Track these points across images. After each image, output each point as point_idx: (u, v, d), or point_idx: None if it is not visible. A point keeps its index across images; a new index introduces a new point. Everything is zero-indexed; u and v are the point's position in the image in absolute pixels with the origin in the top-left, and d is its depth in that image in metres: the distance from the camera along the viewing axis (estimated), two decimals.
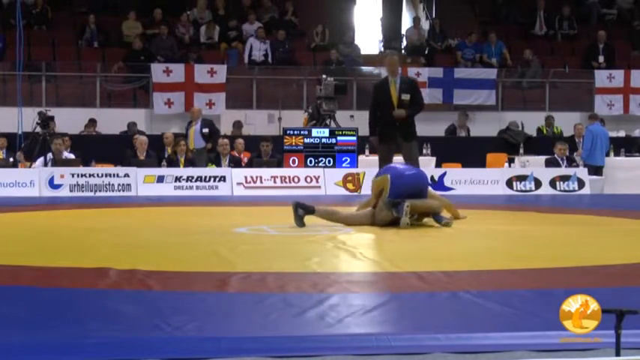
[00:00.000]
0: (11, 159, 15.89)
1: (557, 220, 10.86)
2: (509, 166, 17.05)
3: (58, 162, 14.67)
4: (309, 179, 14.69)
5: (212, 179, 14.60)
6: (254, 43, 20.81)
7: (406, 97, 11.09)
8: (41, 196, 13.69)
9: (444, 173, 15.00)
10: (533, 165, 16.36)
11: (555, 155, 16.26)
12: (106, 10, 21.72)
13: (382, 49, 25.93)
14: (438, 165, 16.68)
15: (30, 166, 14.78)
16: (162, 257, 7.07)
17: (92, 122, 18.54)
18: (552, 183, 15.16)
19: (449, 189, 14.28)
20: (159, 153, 16.48)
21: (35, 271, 6.31)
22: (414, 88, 11.35)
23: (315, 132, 15.29)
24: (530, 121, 19.89)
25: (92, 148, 16.46)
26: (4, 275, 6.14)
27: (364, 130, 16.66)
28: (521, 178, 15.20)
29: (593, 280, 6.04)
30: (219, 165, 15.61)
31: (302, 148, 15.08)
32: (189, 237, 8.33)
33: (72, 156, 15.27)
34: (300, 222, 9.10)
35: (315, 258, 6.99)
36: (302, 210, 9.16)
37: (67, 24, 21.59)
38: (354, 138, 15.35)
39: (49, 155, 14.74)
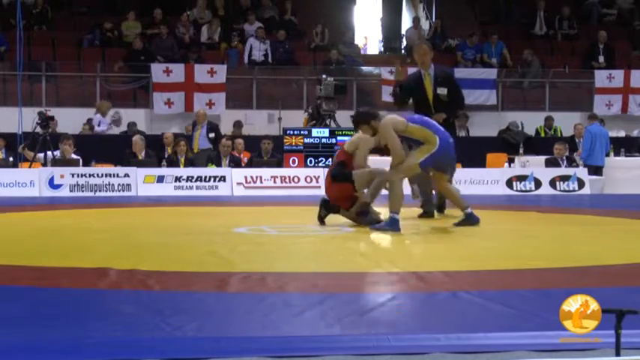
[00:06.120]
0: (11, 158, 15.89)
1: (557, 220, 10.85)
2: (509, 166, 17.05)
3: (59, 162, 14.67)
4: (309, 179, 14.69)
5: (212, 179, 14.61)
6: (254, 43, 20.81)
7: (442, 91, 9.98)
8: (41, 196, 13.69)
9: None
10: (533, 165, 16.36)
11: (555, 155, 16.29)
12: (106, 10, 21.74)
13: (382, 49, 25.99)
14: None
15: (33, 158, 14.79)
16: (162, 257, 7.07)
17: (90, 121, 18.56)
18: (552, 183, 15.16)
19: None
20: (159, 153, 16.49)
21: (35, 271, 6.30)
22: (451, 80, 10.24)
23: (315, 132, 15.29)
24: (530, 121, 19.90)
25: (92, 148, 16.46)
26: (4, 275, 6.14)
27: None
28: (521, 178, 15.21)
29: (593, 280, 6.04)
30: (219, 165, 15.61)
31: (302, 148, 15.09)
32: (190, 237, 8.32)
33: (77, 157, 15.29)
34: (321, 221, 9.23)
35: (315, 258, 6.99)
36: (325, 211, 9.26)
37: (67, 24, 21.62)
38: None
39: (50, 154, 14.74)
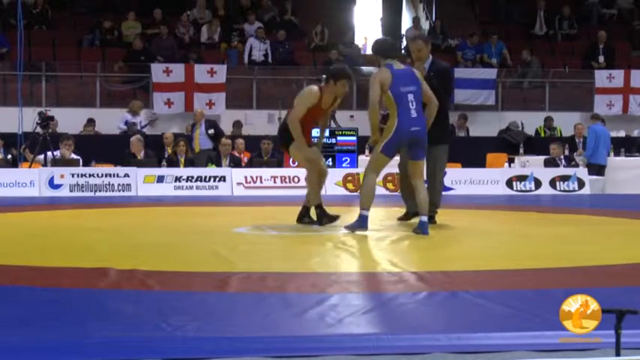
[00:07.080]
0: (9, 155, 15.88)
1: (557, 220, 10.85)
2: (509, 166, 17.05)
3: (59, 162, 14.67)
4: None
5: (212, 179, 14.60)
6: (254, 43, 20.81)
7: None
8: (41, 196, 13.68)
9: (444, 173, 14.95)
10: (533, 165, 16.37)
11: (551, 155, 16.32)
12: (106, 10, 21.74)
13: None
14: None
15: (33, 159, 14.79)
16: (162, 257, 7.07)
17: (90, 122, 18.57)
18: (552, 183, 15.16)
19: (449, 189, 14.26)
20: (159, 153, 16.47)
21: (35, 271, 6.31)
22: (444, 75, 9.56)
23: (315, 132, 15.25)
24: (530, 121, 19.90)
25: (92, 148, 16.46)
26: (4, 275, 6.14)
27: (364, 130, 16.69)
28: (521, 178, 15.20)
29: (593, 280, 6.04)
30: (219, 165, 15.62)
31: None
32: (189, 237, 8.33)
33: (77, 157, 15.29)
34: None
35: (315, 258, 6.99)
36: (306, 218, 9.28)
37: (67, 24, 21.61)
38: (354, 138, 15.34)
39: (50, 154, 14.74)
